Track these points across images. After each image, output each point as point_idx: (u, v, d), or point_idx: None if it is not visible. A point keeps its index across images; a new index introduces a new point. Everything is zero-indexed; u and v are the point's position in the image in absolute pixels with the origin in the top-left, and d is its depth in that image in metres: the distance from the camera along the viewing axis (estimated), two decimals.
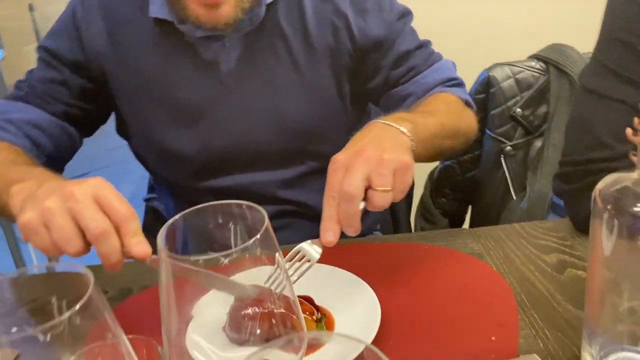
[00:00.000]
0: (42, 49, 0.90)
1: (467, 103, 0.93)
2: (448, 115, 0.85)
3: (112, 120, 1.00)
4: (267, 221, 0.40)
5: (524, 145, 1.30)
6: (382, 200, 0.62)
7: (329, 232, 0.62)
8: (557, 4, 1.75)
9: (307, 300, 0.67)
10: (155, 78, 0.88)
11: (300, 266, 0.62)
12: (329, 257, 0.72)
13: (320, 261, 0.71)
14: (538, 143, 1.30)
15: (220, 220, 0.45)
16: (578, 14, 1.56)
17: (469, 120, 0.91)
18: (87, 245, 0.58)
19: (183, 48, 0.86)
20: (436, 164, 1.40)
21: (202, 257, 0.40)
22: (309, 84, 0.89)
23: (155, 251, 0.52)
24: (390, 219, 1.21)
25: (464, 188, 1.37)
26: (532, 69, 1.28)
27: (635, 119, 0.77)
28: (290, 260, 0.62)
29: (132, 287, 0.78)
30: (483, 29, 1.70)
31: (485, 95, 1.27)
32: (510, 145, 1.28)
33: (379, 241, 0.85)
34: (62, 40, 0.89)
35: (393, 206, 1.22)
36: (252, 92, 0.88)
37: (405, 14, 0.93)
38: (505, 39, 1.62)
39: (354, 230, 0.62)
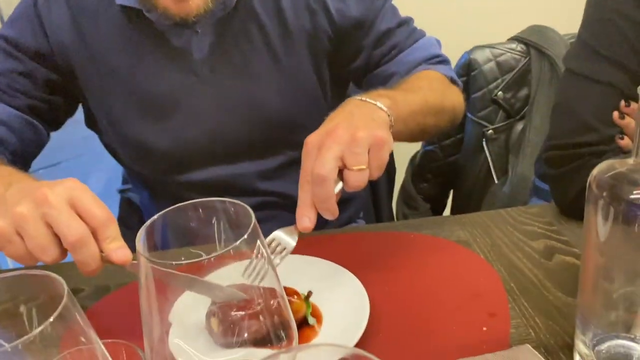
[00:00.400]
0: (1, 38, 0.84)
1: (452, 80, 0.91)
2: (431, 92, 0.82)
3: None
4: (254, 220, 0.38)
5: (506, 129, 1.29)
6: (357, 179, 0.59)
7: (305, 217, 0.60)
8: None
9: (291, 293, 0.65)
10: (124, 69, 0.84)
11: (276, 255, 0.60)
12: (311, 248, 0.70)
13: (303, 252, 0.70)
14: (519, 126, 1.29)
15: (202, 217, 0.43)
16: None
17: (454, 98, 0.88)
18: (64, 251, 0.55)
19: (152, 36, 0.82)
20: (417, 148, 1.39)
21: (184, 262, 0.37)
22: (286, 70, 0.86)
23: (134, 249, 0.50)
24: (373, 207, 1.20)
25: (445, 172, 1.36)
26: (513, 52, 1.27)
27: (622, 102, 0.76)
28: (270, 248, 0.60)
29: (109, 285, 0.75)
30: (463, 10, 1.68)
31: (466, 78, 1.26)
32: (492, 129, 1.27)
33: (363, 230, 0.83)
34: (23, 29, 0.84)
35: (375, 194, 1.21)
36: (226, 80, 0.85)
37: None
38: (485, 20, 1.61)
39: (330, 214, 0.60)
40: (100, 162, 1.12)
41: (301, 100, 0.88)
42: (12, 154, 0.83)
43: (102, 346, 0.39)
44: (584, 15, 0.80)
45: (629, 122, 0.76)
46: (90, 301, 0.72)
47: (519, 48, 1.27)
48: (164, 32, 0.82)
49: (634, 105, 0.77)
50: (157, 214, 0.40)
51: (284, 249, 0.60)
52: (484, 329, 0.61)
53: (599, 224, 0.49)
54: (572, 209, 0.80)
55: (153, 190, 0.98)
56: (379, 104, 0.67)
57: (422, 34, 0.92)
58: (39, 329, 0.30)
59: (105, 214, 0.55)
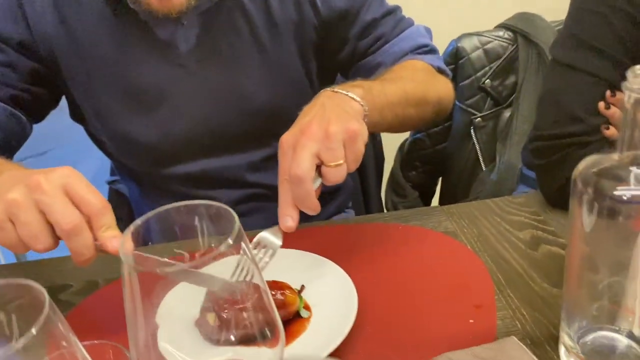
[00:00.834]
0: None
1: (439, 69, 0.90)
2: (413, 82, 0.81)
3: None
4: (237, 224, 0.38)
5: (493, 116, 1.29)
6: (336, 175, 0.60)
7: (287, 217, 0.60)
8: None
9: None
10: (109, 60, 0.83)
11: (263, 256, 0.60)
12: (299, 240, 0.70)
13: (291, 245, 0.70)
14: (507, 113, 1.30)
15: (185, 220, 0.42)
16: None
17: (439, 88, 0.88)
18: (57, 240, 0.54)
19: (137, 27, 0.81)
20: (406, 136, 1.39)
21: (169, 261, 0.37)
22: (273, 62, 0.85)
23: None
24: (362, 196, 1.20)
25: (434, 160, 1.36)
26: (500, 39, 1.26)
27: (607, 92, 0.77)
28: (255, 250, 0.60)
29: (98, 280, 0.75)
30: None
31: (454, 66, 1.25)
32: (480, 117, 1.27)
33: (351, 222, 0.83)
34: (5, 18, 0.81)
35: (364, 183, 1.21)
36: (213, 73, 0.84)
37: None
38: (471, 8, 1.60)
39: (312, 210, 0.60)
40: (88, 150, 1.10)
41: (288, 91, 0.88)
42: None
43: (84, 351, 0.38)
44: (570, 4, 0.80)
45: (614, 111, 0.76)
46: (78, 297, 0.72)
47: (506, 35, 1.27)
48: (149, 24, 0.81)
49: (619, 94, 0.77)
50: (139, 218, 0.39)
51: (270, 250, 0.60)
52: (471, 321, 0.61)
53: (584, 217, 0.49)
54: (558, 198, 0.80)
55: (140, 182, 0.98)
56: (351, 94, 0.67)
57: (409, 23, 0.91)
58: (21, 341, 0.30)
59: (100, 202, 0.54)
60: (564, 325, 0.55)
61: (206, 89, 0.85)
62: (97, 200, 0.54)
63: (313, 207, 0.60)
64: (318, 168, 0.60)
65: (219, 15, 0.81)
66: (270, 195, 0.95)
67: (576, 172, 0.50)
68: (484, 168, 1.30)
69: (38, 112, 0.88)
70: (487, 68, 1.25)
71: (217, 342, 0.46)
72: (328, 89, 0.69)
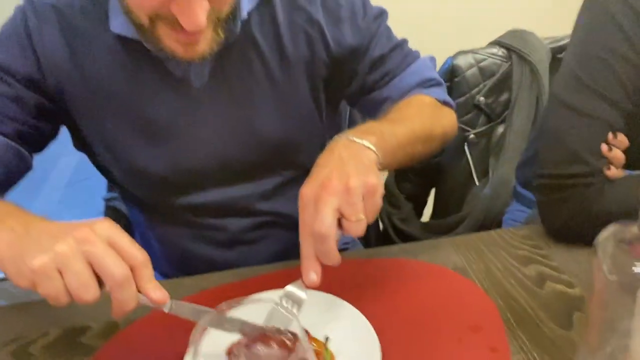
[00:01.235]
0: None
1: (444, 102, 0.92)
2: (420, 120, 0.83)
3: None
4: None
5: (487, 132, 1.32)
6: (357, 229, 0.62)
7: (311, 272, 0.62)
8: None
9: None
10: (121, 95, 0.83)
11: (290, 310, 0.62)
12: None
13: None
14: (500, 129, 1.33)
15: None
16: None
17: (444, 122, 0.90)
18: (100, 291, 0.56)
19: (150, 63, 0.81)
20: None
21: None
22: (284, 97, 0.86)
23: None
24: None
25: (428, 173, 1.39)
26: (494, 57, 1.29)
27: (610, 135, 0.80)
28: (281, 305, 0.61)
29: (117, 321, 0.76)
30: (443, 15, 1.69)
31: (449, 84, 1.28)
32: (474, 133, 1.31)
33: (361, 256, 0.86)
34: (12, 52, 0.80)
35: None
36: (225, 108, 0.85)
37: (379, 15, 0.90)
38: (464, 24, 1.62)
39: (334, 264, 0.62)
40: (67, 147, 1.07)
41: (299, 124, 0.89)
42: None
43: None
44: (574, 46, 0.83)
45: (616, 153, 0.80)
46: (98, 340, 0.73)
47: (500, 53, 1.30)
48: (162, 60, 0.81)
49: (620, 136, 0.81)
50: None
51: (295, 303, 0.62)
52: None
53: (603, 283, 0.53)
54: (560, 235, 0.84)
55: (147, 209, 0.98)
56: (366, 142, 0.69)
57: (415, 57, 0.93)
58: None
59: (144, 255, 0.57)
60: None
61: (218, 123, 0.86)
62: (140, 253, 0.56)
63: (336, 260, 0.62)
64: (338, 221, 0.62)
65: (232, 51, 0.82)
66: (279, 222, 0.96)
67: (597, 241, 0.53)
68: (477, 182, 1.33)
69: (40, 145, 0.88)
70: (481, 85, 1.28)
71: None
72: (343, 136, 0.70)
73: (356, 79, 0.90)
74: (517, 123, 1.29)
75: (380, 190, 0.64)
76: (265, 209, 0.95)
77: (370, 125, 0.77)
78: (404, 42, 0.93)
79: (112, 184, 0.98)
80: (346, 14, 0.86)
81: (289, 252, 0.99)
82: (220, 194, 0.91)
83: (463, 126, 1.30)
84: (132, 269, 0.55)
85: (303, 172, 0.94)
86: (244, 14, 0.80)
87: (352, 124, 1.14)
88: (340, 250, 1.02)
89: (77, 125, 0.87)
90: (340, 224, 0.62)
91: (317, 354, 0.62)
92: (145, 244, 1.00)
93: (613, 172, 0.80)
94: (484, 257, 0.83)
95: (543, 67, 1.28)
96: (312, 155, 0.93)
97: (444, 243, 0.87)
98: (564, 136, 0.81)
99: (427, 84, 0.92)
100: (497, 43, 1.31)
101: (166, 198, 0.92)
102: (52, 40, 0.81)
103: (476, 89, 1.28)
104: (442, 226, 1.36)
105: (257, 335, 0.57)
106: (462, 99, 1.28)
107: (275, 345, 0.55)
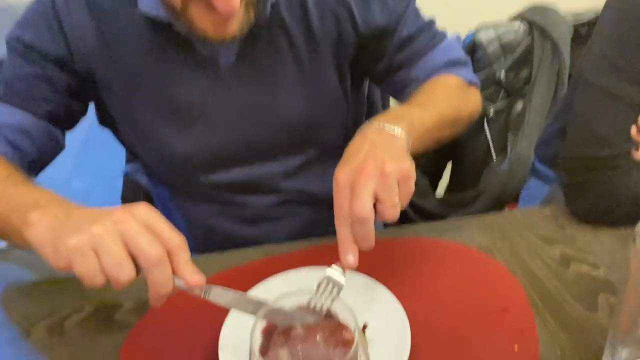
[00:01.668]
0: (15, 40, 0.80)
1: (471, 83, 0.92)
2: (447, 103, 0.83)
3: None
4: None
5: (506, 108, 1.32)
6: (392, 214, 0.62)
7: (349, 254, 0.62)
8: None
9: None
10: (149, 75, 0.82)
11: (329, 295, 0.62)
12: (335, 259, 0.72)
13: (327, 262, 0.73)
14: (519, 105, 1.32)
15: None
16: None
17: (471, 103, 0.90)
18: (136, 272, 0.56)
19: (177, 43, 0.80)
20: None
21: None
22: (311, 77, 0.86)
23: None
24: None
25: (445, 148, 1.38)
26: (516, 32, 1.28)
27: (639, 117, 0.80)
28: (320, 290, 0.62)
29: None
30: None
31: (470, 58, 1.26)
32: (493, 109, 1.30)
33: (388, 236, 0.86)
34: (41, 32, 0.80)
35: None
36: (252, 87, 0.84)
37: None
38: None
39: (369, 246, 0.63)
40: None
41: (324, 104, 0.89)
42: (29, 164, 0.82)
43: None
44: (605, 27, 0.82)
45: None
46: (132, 317, 0.75)
47: (522, 28, 1.28)
48: (190, 40, 0.80)
49: None
50: None
51: (334, 287, 0.62)
52: (515, 347, 0.66)
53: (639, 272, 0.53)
54: (585, 216, 0.84)
55: (172, 186, 0.99)
56: (396, 129, 0.69)
57: (442, 37, 0.92)
58: None
59: (181, 238, 0.57)
60: (607, 354, 0.60)
61: (245, 103, 0.85)
62: (177, 236, 0.56)
63: (372, 242, 0.63)
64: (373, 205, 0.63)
65: (260, 31, 0.81)
66: (302, 200, 0.97)
67: (637, 230, 0.53)
68: (494, 158, 1.33)
69: (71, 124, 0.88)
70: (502, 60, 1.27)
71: None
72: (373, 123, 0.70)
73: (383, 59, 0.90)
74: (537, 99, 1.28)
75: (414, 176, 0.64)
76: (289, 187, 0.95)
77: (400, 110, 0.77)
78: (431, 22, 0.92)
79: (137, 160, 0.98)
80: None
81: (312, 228, 1.00)
82: (244, 172, 0.92)
83: (483, 101, 1.29)
84: (168, 252, 0.56)
85: (326, 151, 0.95)
86: None
87: (370, 105, 1.14)
88: None
89: (105, 104, 0.87)
90: (375, 209, 0.63)
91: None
92: (168, 218, 1.00)
93: None
94: (509, 237, 0.84)
95: (564, 43, 1.27)
96: (335, 135, 0.94)
97: (468, 222, 0.87)
98: (592, 118, 0.81)
99: (454, 64, 0.91)
100: (518, 18, 1.30)
101: (191, 176, 0.92)
102: (80, 20, 0.80)
103: (497, 64, 1.27)
104: (458, 201, 1.36)
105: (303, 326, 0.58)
106: (482, 74, 1.27)
107: (323, 337, 0.55)
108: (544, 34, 1.26)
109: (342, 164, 0.65)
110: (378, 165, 0.62)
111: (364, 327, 0.66)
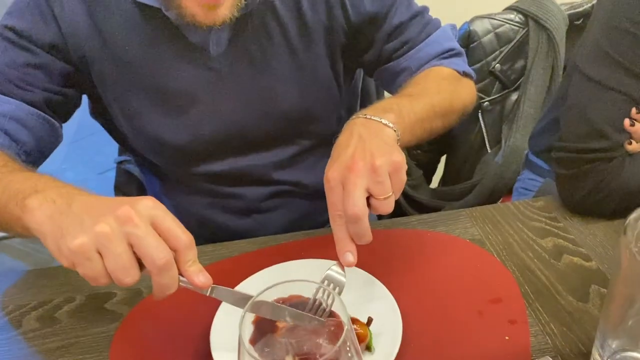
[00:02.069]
0: (7, 29, 0.79)
1: (464, 73, 0.91)
2: (439, 94, 0.83)
3: None
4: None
5: (501, 100, 1.32)
6: (386, 207, 0.62)
7: (347, 253, 0.62)
8: None
9: None
10: (139, 63, 0.82)
11: (331, 293, 0.62)
12: (328, 249, 0.71)
13: (320, 255, 0.74)
14: (514, 97, 1.32)
15: None
16: None
17: (464, 94, 0.89)
18: (140, 274, 0.54)
19: (168, 31, 0.79)
20: None
21: None
22: (303, 65, 0.85)
23: None
24: None
25: (440, 140, 1.38)
26: (511, 22, 1.27)
27: (633, 109, 0.80)
28: (321, 289, 0.62)
29: (141, 288, 0.77)
30: None
31: (465, 50, 1.26)
32: (488, 101, 1.30)
33: (379, 227, 0.86)
34: (33, 19, 0.79)
35: None
36: (244, 76, 0.84)
37: None
38: None
39: (367, 242, 0.63)
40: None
41: (317, 93, 0.88)
42: (26, 154, 0.81)
43: None
44: (600, 18, 0.81)
45: (637, 128, 0.80)
46: (123, 306, 0.75)
47: (517, 19, 1.28)
48: (180, 27, 0.79)
49: None
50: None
51: (337, 287, 0.62)
52: (506, 337, 0.66)
53: (629, 263, 0.53)
54: (578, 206, 0.84)
55: (163, 177, 0.98)
56: (384, 120, 0.68)
57: (436, 26, 0.91)
58: None
59: (187, 236, 0.55)
60: (598, 346, 0.61)
61: (236, 92, 0.85)
62: (184, 234, 0.54)
63: (368, 238, 0.62)
64: (367, 200, 0.62)
65: (251, 18, 0.80)
66: (294, 191, 0.97)
67: (627, 222, 0.53)
68: (489, 150, 1.33)
69: (67, 114, 0.87)
70: (497, 52, 1.27)
71: None
72: (360, 115, 0.70)
73: (374, 47, 0.89)
74: (532, 91, 1.28)
75: (405, 166, 0.63)
76: (282, 178, 0.95)
77: (388, 102, 0.76)
78: (424, 10, 0.91)
79: (128, 151, 0.97)
80: None
81: (304, 220, 1.00)
82: (237, 163, 0.91)
83: (478, 93, 1.28)
84: (175, 251, 0.54)
85: (319, 141, 0.95)
86: None
87: (364, 96, 1.13)
88: None
89: (98, 93, 0.87)
90: (368, 203, 0.62)
91: (363, 337, 0.63)
92: None
93: (634, 146, 0.80)
94: (501, 229, 0.84)
95: (560, 34, 1.26)
96: (328, 125, 0.93)
97: (460, 214, 0.87)
98: (586, 110, 0.80)
99: (447, 54, 0.90)
100: (514, 8, 1.29)
101: (183, 166, 0.92)
102: (73, 7, 0.79)
103: (492, 56, 1.26)
104: (452, 193, 1.36)
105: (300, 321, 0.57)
106: (477, 66, 1.26)
107: (320, 333, 0.55)
108: (539, 24, 1.26)
109: (332, 162, 0.64)
110: (368, 160, 0.61)
111: (369, 320, 0.66)
